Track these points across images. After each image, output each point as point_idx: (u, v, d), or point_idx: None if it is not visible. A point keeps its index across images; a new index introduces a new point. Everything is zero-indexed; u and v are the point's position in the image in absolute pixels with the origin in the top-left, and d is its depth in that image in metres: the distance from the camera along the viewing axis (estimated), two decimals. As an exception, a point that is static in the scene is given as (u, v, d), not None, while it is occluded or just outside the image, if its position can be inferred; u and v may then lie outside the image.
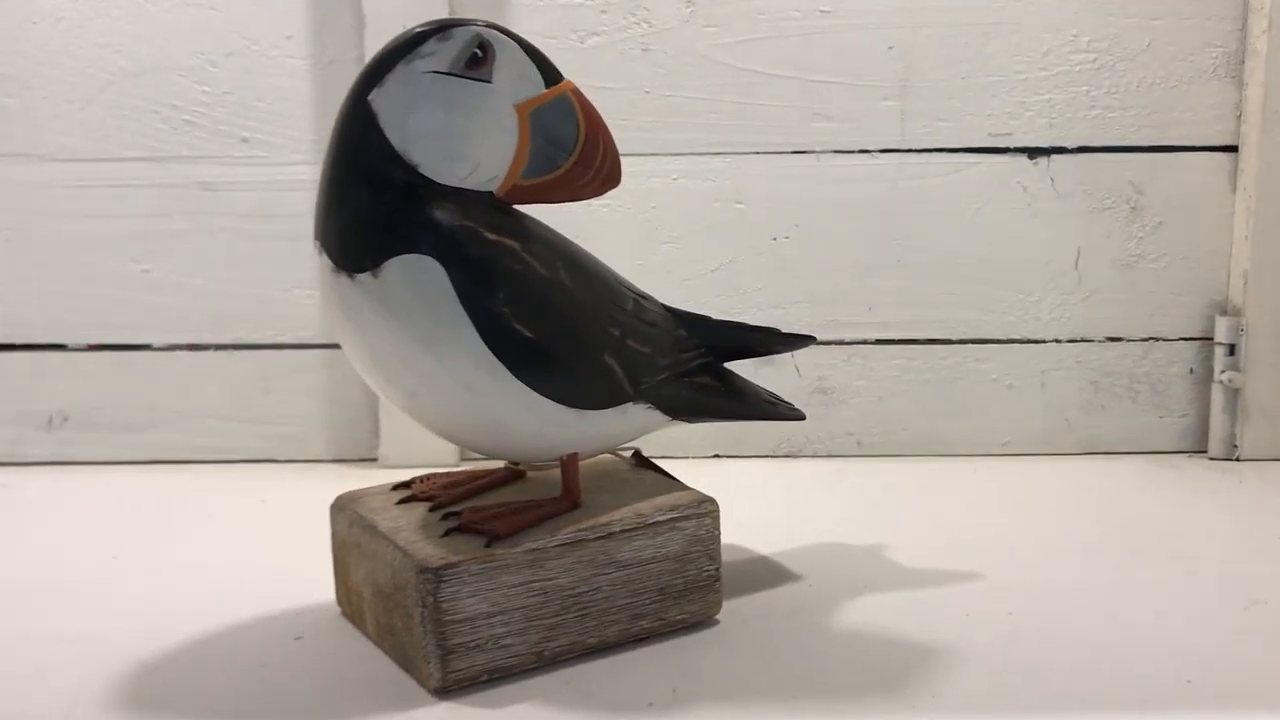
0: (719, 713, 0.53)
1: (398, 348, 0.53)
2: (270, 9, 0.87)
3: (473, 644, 0.54)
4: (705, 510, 0.60)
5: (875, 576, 0.68)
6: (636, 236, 0.90)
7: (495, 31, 0.54)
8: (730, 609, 0.63)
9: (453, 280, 0.52)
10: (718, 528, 0.61)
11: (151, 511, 0.82)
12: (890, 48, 0.88)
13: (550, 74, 0.55)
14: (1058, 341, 0.91)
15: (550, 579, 0.56)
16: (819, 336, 0.90)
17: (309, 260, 0.85)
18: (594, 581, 0.57)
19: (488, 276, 0.53)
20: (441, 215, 0.52)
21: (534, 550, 0.55)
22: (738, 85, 0.88)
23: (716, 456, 0.93)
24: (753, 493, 0.85)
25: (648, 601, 0.59)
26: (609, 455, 0.68)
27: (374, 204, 0.52)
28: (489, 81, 0.54)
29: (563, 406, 0.56)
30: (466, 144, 0.53)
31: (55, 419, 0.91)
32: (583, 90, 0.58)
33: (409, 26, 0.82)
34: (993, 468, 0.90)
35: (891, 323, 0.91)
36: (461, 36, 0.53)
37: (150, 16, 0.86)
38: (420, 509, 0.60)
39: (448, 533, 0.56)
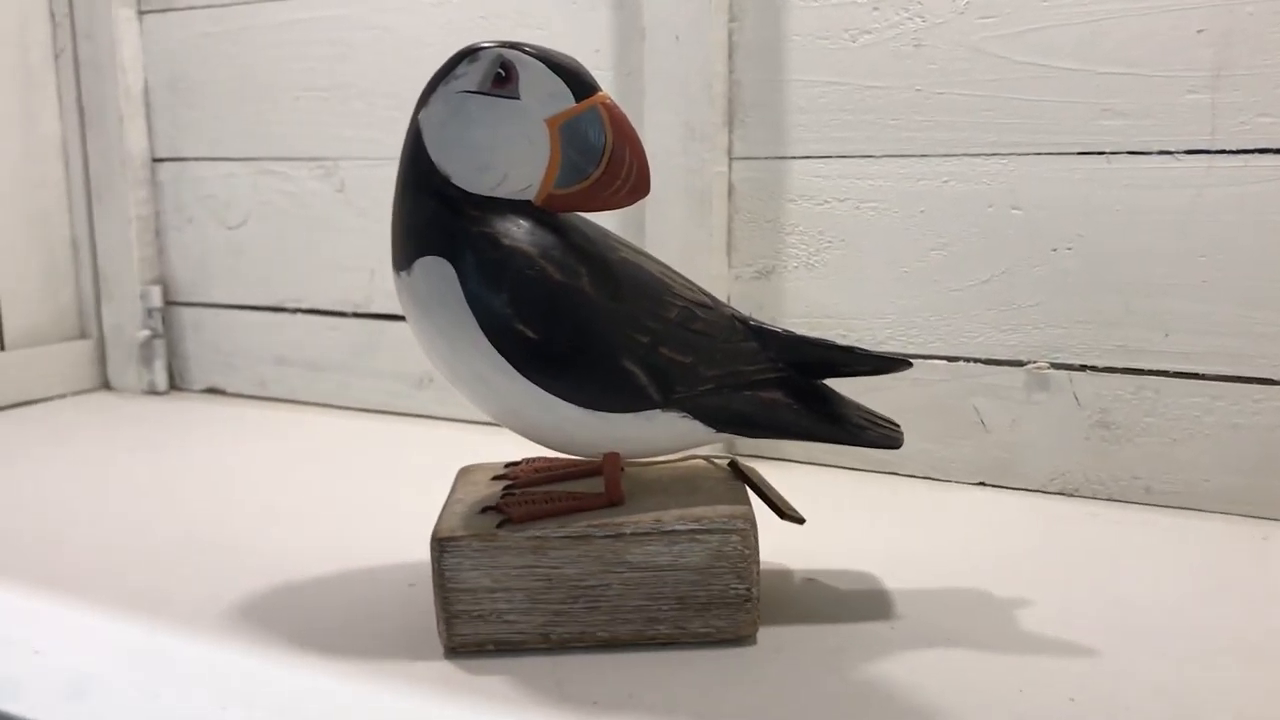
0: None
1: (429, 338, 0.60)
2: (584, 24, 0.96)
3: (475, 613, 0.59)
4: (733, 527, 0.59)
5: (993, 637, 0.60)
6: (902, 241, 0.86)
7: (519, 52, 0.57)
8: (771, 634, 0.61)
9: (461, 281, 0.57)
10: (748, 546, 0.59)
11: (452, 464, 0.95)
12: (1200, 31, 0.75)
13: (581, 88, 0.58)
14: None
15: (555, 567, 0.59)
16: (1103, 362, 0.80)
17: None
18: (604, 577, 0.59)
19: (493, 279, 0.57)
20: (463, 222, 0.58)
21: (536, 538, 0.59)
22: (1016, 79, 0.80)
23: (981, 485, 0.86)
24: (990, 526, 0.78)
25: (665, 608, 0.59)
26: (703, 460, 0.68)
27: (415, 210, 0.59)
28: (517, 98, 0.57)
29: (576, 407, 0.58)
30: (493, 156, 0.57)
31: (424, 380, 1.09)
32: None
33: (679, 36, 0.87)
34: (1312, 542, 0.73)
35: (1193, 353, 0.78)
36: (486, 58, 0.58)
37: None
38: (500, 485, 0.66)
39: (484, 510, 0.62)
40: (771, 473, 0.73)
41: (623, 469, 0.65)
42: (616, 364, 0.58)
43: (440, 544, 0.59)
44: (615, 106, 0.58)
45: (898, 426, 0.64)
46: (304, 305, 1.15)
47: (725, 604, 0.59)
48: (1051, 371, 0.82)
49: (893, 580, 0.68)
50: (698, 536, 0.59)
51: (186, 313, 1.22)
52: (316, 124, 1.10)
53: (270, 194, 1.14)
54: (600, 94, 0.58)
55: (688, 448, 0.63)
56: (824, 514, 0.78)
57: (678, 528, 0.59)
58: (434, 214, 0.58)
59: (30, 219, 1.21)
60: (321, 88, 1.09)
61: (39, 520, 0.83)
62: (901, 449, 0.64)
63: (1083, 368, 0.81)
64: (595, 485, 0.64)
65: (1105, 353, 0.80)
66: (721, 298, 0.91)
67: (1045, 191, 0.81)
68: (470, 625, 0.59)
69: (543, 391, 0.58)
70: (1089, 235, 0.80)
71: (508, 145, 0.57)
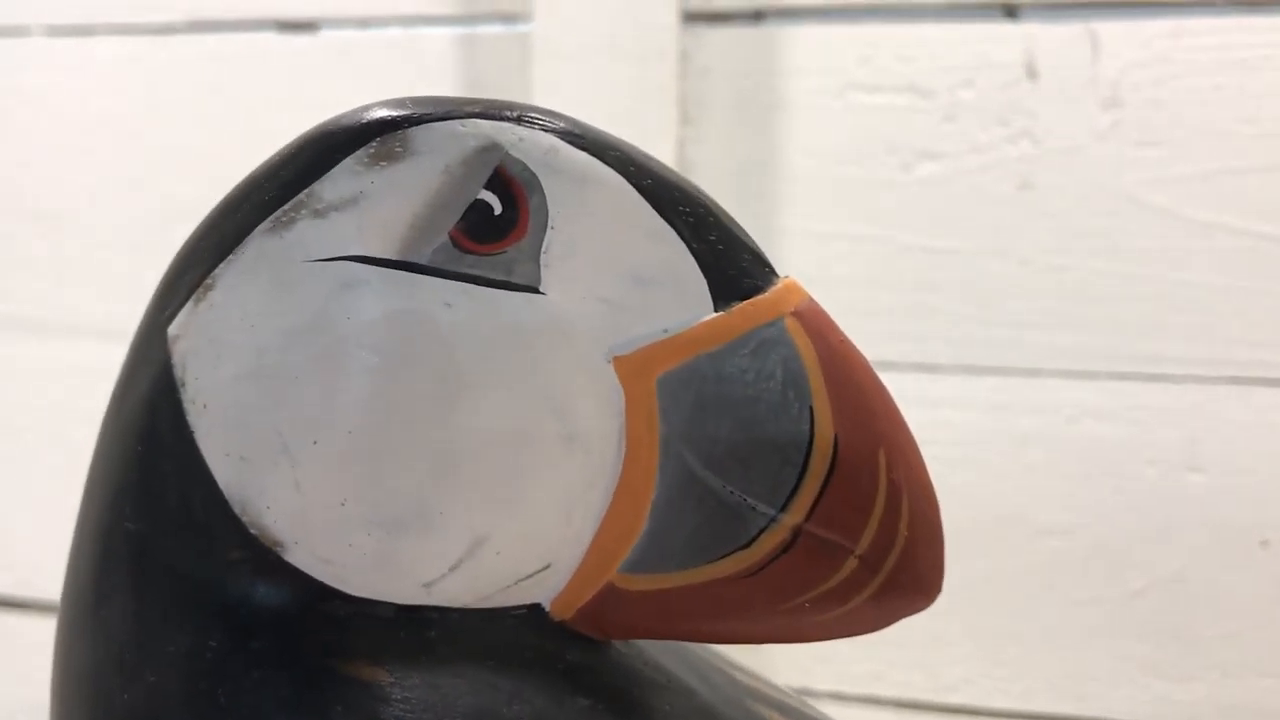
0: None
1: None
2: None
3: None
4: None
5: None
6: (988, 514, 0.50)
7: (543, 132, 0.18)
8: None
9: None
10: None
11: None
12: None
13: (740, 269, 0.18)
14: None
15: None
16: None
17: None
18: None
19: None
20: (323, 695, 0.16)
21: None
22: (1197, 253, 0.48)
23: None
24: None
25: None
26: None
27: (135, 673, 0.17)
28: (535, 289, 0.17)
29: None
30: (440, 473, 0.16)
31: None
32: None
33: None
34: None
35: None
36: (443, 142, 0.17)
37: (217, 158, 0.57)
38: None
39: None
40: None
41: None
42: None
43: None
44: (829, 324, 0.18)
45: None
46: None
47: None
48: (1261, 752, 0.48)
49: None
50: None
51: None
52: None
53: None
54: (786, 282, 0.18)
55: None
56: None
57: None
58: (207, 677, 0.16)
59: None
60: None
61: None
62: None
63: (1318, 748, 0.48)
64: None
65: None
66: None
67: (1249, 445, 0.48)
68: None
69: None
70: (1326, 520, 0.47)
71: (496, 435, 0.17)
